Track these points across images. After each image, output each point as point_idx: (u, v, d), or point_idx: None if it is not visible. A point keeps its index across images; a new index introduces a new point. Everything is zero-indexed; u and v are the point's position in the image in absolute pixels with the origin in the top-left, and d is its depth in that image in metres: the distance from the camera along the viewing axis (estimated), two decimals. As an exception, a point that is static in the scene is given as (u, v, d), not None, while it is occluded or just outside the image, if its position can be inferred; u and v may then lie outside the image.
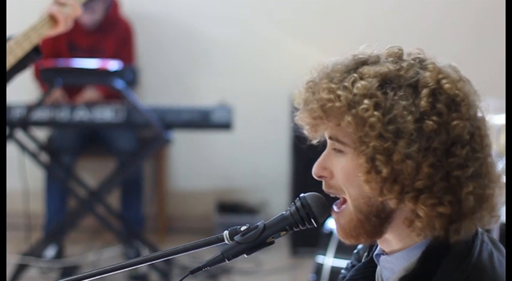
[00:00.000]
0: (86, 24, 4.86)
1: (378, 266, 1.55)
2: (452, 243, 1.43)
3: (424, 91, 1.41)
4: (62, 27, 2.80)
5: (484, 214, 1.44)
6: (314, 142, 1.53)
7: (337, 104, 1.42)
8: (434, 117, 1.39)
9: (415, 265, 1.45)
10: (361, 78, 1.43)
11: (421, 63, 1.45)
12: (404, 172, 1.39)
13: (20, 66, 2.71)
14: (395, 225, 1.46)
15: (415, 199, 1.40)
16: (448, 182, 1.40)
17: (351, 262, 1.75)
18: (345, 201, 1.48)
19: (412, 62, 1.45)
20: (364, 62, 1.47)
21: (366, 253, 1.63)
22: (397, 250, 1.49)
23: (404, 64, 1.44)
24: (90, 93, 4.82)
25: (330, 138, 1.47)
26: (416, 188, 1.39)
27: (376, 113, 1.39)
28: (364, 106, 1.40)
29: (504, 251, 1.50)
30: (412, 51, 1.49)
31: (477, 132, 1.43)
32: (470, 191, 1.41)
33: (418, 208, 1.40)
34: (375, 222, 1.45)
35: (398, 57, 1.47)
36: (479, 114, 1.45)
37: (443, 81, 1.42)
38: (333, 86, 1.44)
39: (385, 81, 1.42)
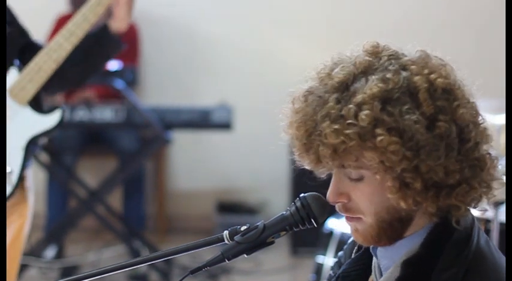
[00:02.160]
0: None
1: (374, 258, 1.55)
2: (454, 229, 1.44)
3: (421, 95, 1.40)
4: (119, 20, 2.68)
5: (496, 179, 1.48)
6: (322, 176, 1.51)
7: (350, 143, 1.39)
8: (441, 117, 1.40)
9: (418, 249, 1.46)
10: (360, 108, 1.39)
11: (399, 65, 1.44)
12: (434, 177, 1.40)
13: (100, 51, 2.66)
14: (414, 220, 1.46)
15: (449, 194, 1.42)
16: (472, 167, 1.42)
17: (333, 271, 1.73)
18: (359, 218, 1.48)
19: (392, 67, 1.43)
20: (346, 85, 1.43)
21: (356, 247, 1.62)
22: (401, 238, 1.49)
23: (388, 75, 1.41)
24: (86, 93, 4.81)
25: (343, 168, 1.45)
26: (449, 185, 1.41)
27: (393, 138, 1.38)
28: (380, 138, 1.38)
29: (495, 246, 1.52)
30: (369, 49, 1.47)
31: (472, 106, 1.45)
32: (488, 166, 1.44)
33: (453, 200, 1.42)
34: (397, 226, 1.46)
35: (372, 67, 1.44)
36: (460, 83, 1.45)
37: (432, 76, 1.42)
38: (337, 126, 1.39)
39: (384, 101, 1.39)
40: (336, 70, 1.45)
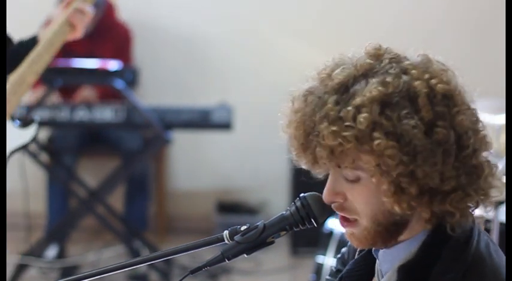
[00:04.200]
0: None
1: (377, 261, 1.55)
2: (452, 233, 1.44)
3: (421, 100, 1.39)
4: (78, 34, 2.77)
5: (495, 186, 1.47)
6: (320, 176, 1.51)
7: (348, 146, 1.39)
8: (440, 123, 1.39)
9: (415, 253, 1.45)
10: (359, 111, 1.39)
11: (400, 69, 1.43)
12: (429, 183, 1.39)
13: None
14: (410, 224, 1.46)
15: (443, 200, 1.41)
16: (469, 174, 1.42)
17: (335, 267, 1.74)
18: (355, 220, 1.47)
19: (393, 71, 1.42)
20: (345, 87, 1.42)
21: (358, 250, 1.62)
22: (398, 242, 1.48)
23: (389, 78, 1.41)
24: (86, 92, 4.81)
25: (340, 169, 1.45)
26: (444, 191, 1.40)
27: (390, 142, 1.37)
28: (377, 141, 1.37)
29: (494, 241, 1.51)
30: (371, 51, 1.46)
31: (472, 113, 1.44)
32: (486, 173, 1.43)
33: (448, 206, 1.41)
34: (393, 229, 1.46)
35: (372, 70, 1.43)
36: (461, 89, 1.44)
37: (433, 81, 1.41)
38: (335, 128, 1.39)
39: (383, 105, 1.39)
40: (336, 71, 1.45)
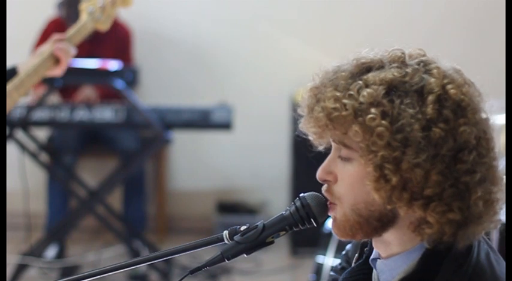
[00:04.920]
0: None
1: (374, 271, 1.54)
2: (452, 244, 1.42)
3: (430, 98, 1.40)
4: (61, 69, 2.79)
5: (489, 218, 1.43)
6: (320, 148, 1.51)
7: (344, 113, 1.41)
8: (441, 125, 1.39)
9: (415, 266, 1.44)
10: (367, 86, 1.41)
11: (425, 67, 1.44)
12: (413, 180, 1.38)
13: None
14: (399, 228, 1.45)
15: (425, 206, 1.39)
16: (457, 189, 1.39)
17: (340, 264, 1.74)
18: (334, 206, 1.48)
19: (417, 66, 1.44)
20: (368, 68, 1.45)
21: (356, 255, 1.62)
22: (395, 253, 1.48)
23: (409, 70, 1.43)
24: (87, 91, 4.81)
25: (336, 144, 1.46)
26: (425, 195, 1.39)
27: (383, 122, 1.38)
28: (371, 115, 1.39)
29: (494, 249, 1.50)
30: (413, 52, 1.48)
31: (483, 136, 1.43)
32: (478, 196, 1.40)
33: (428, 215, 1.40)
34: (376, 225, 1.45)
35: (401, 62, 1.46)
36: (484, 116, 1.44)
37: (449, 86, 1.41)
38: (338, 94, 1.42)
39: (391, 89, 1.41)
40: (367, 51, 1.49)
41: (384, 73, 1.43)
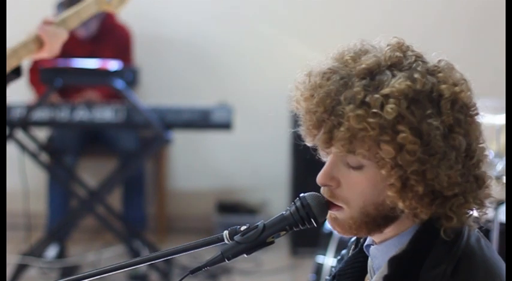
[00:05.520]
0: (81, 37, 4.85)
1: (369, 258, 1.55)
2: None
3: (444, 104, 1.41)
4: (49, 52, 2.65)
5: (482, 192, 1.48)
6: (323, 159, 1.50)
7: (371, 133, 1.39)
8: (457, 129, 1.41)
9: (406, 246, 1.46)
10: (387, 101, 1.39)
11: (427, 68, 1.44)
12: (436, 186, 1.41)
13: None
14: (400, 220, 1.47)
15: (443, 204, 1.42)
16: (471, 182, 1.44)
17: (334, 268, 1.74)
18: (340, 208, 1.48)
19: (420, 69, 1.43)
20: (371, 73, 1.43)
21: (353, 245, 1.62)
22: (388, 238, 1.49)
23: (417, 75, 1.42)
24: (89, 94, 4.81)
25: (351, 154, 1.44)
26: (445, 195, 1.42)
27: (414, 138, 1.38)
28: (402, 134, 1.38)
29: (487, 240, 1.52)
30: (398, 45, 1.47)
31: (479, 124, 1.47)
32: (486, 184, 1.45)
33: (447, 212, 1.42)
34: (380, 222, 1.46)
35: (400, 62, 1.45)
36: (474, 100, 1.47)
37: (456, 89, 1.43)
38: (361, 112, 1.39)
39: (410, 100, 1.40)
40: (364, 57, 1.46)
41: (396, 83, 1.40)
